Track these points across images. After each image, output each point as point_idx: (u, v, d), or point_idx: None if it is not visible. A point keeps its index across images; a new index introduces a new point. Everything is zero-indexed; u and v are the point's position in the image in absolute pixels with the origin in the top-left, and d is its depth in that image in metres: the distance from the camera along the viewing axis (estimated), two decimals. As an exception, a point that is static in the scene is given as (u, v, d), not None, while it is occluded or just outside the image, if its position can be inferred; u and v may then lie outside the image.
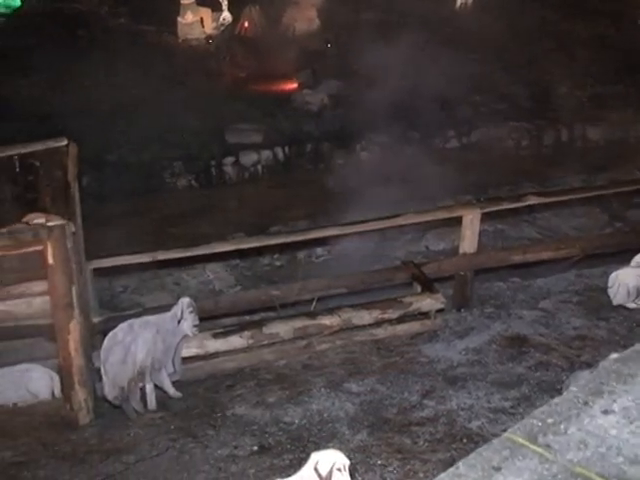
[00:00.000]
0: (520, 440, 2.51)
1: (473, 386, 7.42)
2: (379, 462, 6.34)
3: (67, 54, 16.48)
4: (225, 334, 8.19)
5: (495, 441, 2.55)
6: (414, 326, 8.65)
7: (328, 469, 4.26)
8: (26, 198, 7.35)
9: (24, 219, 7.09)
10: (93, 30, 18.10)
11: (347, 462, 4.27)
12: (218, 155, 15.22)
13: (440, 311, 8.74)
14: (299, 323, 8.29)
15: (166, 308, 7.90)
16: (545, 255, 9.63)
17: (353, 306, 8.57)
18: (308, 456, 4.44)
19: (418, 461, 6.28)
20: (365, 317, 8.45)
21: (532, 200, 9.68)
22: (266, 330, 8.22)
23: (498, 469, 2.43)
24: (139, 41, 17.82)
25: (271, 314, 9.19)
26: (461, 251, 9.26)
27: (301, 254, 11.86)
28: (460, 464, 2.47)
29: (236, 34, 19.16)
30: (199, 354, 8.10)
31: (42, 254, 7.22)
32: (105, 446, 7.02)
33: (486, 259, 9.48)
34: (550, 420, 2.60)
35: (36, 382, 7.92)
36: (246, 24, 19.14)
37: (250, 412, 7.34)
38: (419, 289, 8.90)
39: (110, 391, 7.40)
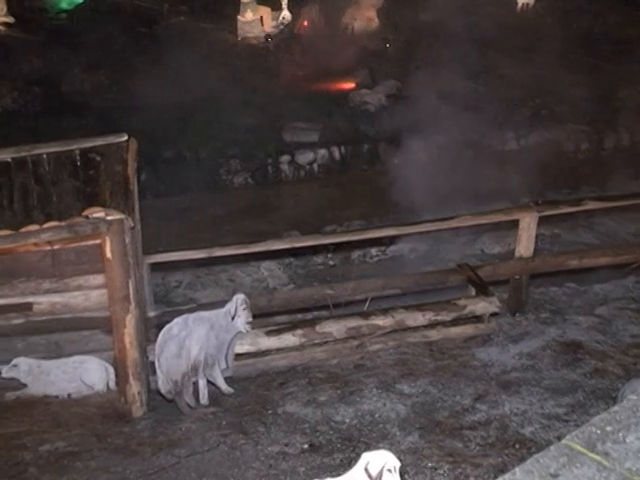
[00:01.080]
0: (578, 447, 2.47)
1: (526, 391, 7.34)
2: (430, 465, 6.31)
3: (128, 50, 16.69)
4: (278, 332, 8.21)
5: (552, 447, 2.51)
6: (468, 329, 8.58)
7: (378, 470, 4.25)
8: (86, 192, 7.46)
9: (84, 213, 7.19)
10: (154, 27, 18.29)
11: (398, 463, 4.26)
12: (275, 153, 15.28)
13: (494, 315, 8.65)
14: (352, 323, 8.28)
15: (220, 304, 7.96)
16: (603, 261, 9.48)
17: (406, 307, 8.53)
18: (358, 456, 4.43)
19: (469, 465, 6.23)
20: (418, 318, 8.40)
21: (590, 205, 9.54)
22: (319, 329, 8.22)
23: (555, 476, 2.39)
24: (199, 39, 17.94)
25: (324, 313, 9.19)
26: (517, 255, 9.17)
27: (355, 254, 11.85)
28: (517, 470, 2.44)
29: (295, 33, 19.21)
30: (251, 351, 8.13)
31: (100, 248, 7.32)
32: (157, 439, 7.08)
33: (542, 263, 9.36)
34: (609, 428, 2.55)
35: (91, 374, 8.05)
36: (305, 23, 19.19)
37: (301, 410, 7.35)
38: (473, 292, 8.83)
39: (164, 385, 7.47)
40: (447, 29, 17.63)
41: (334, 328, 8.23)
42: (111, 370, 8.03)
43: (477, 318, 8.62)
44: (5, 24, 17.56)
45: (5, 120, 15.02)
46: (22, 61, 16.89)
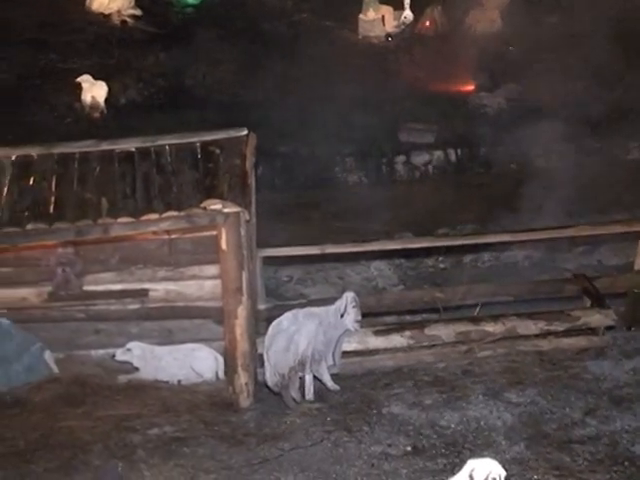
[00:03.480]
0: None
1: (639, 408, 7.12)
2: (535, 477, 6.21)
3: (251, 46, 16.90)
4: (386, 332, 8.21)
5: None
6: (580, 341, 8.39)
7: (483, 478, 4.21)
8: (205, 184, 7.59)
9: (202, 204, 7.33)
10: (277, 24, 18.47)
11: (503, 473, 4.22)
12: (390, 153, 15.23)
13: (609, 328, 8.43)
14: (462, 327, 8.20)
15: (330, 301, 7.99)
16: None
17: (518, 315, 8.40)
18: (462, 462, 4.41)
19: (576, 480, 6.10)
20: (530, 327, 8.26)
21: None
22: (427, 331, 8.18)
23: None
24: (320, 36, 18.02)
25: (433, 316, 9.14)
26: (636, 267, 8.91)
27: (467, 258, 11.72)
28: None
29: (416, 33, 19.08)
30: (359, 349, 8.16)
31: (216, 239, 7.46)
32: (262, 431, 7.18)
33: (662, 278, 9.06)
34: None
35: (201, 362, 8.21)
36: (427, 23, 19.01)
37: (406, 412, 7.33)
38: (589, 303, 8.62)
39: (271, 378, 7.56)
40: (571, 32, 17.23)
41: (443, 332, 8.17)
42: (220, 360, 8.18)
43: (591, 330, 8.42)
44: (133, 16, 18.02)
45: (130, 111, 15.42)
46: (147, 54, 17.30)
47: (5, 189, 7.54)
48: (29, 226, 7.24)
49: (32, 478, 6.55)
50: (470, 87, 17.48)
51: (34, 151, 7.94)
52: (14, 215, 7.32)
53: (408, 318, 9.39)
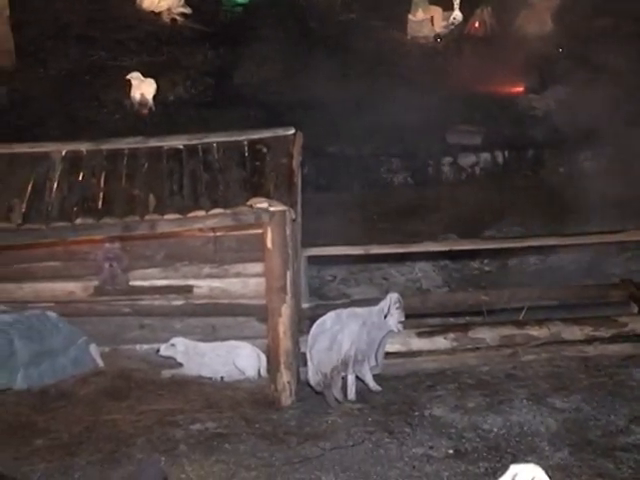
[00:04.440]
0: None
1: (686, 417, 7.02)
2: (579, 484, 6.14)
3: (299, 46, 16.94)
4: (430, 334, 8.18)
5: None
6: (627, 348, 8.27)
7: (526, 483, 4.16)
8: (252, 182, 7.61)
9: (248, 202, 7.36)
10: (325, 23, 18.48)
11: (546, 479, 4.15)
12: (436, 154, 15.16)
13: (656, 335, 8.31)
14: (506, 331, 8.14)
15: (373, 301, 7.98)
16: None
17: (563, 320, 8.32)
18: (504, 467, 4.37)
19: (620, 488, 6.02)
20: (575, 332, 8.17)
21: None
22: (472, 334, 8.13)
23: None
24: (368, 36, 18.01)
25: (477, 319, 9.08)
26: (686, 274, 8.77)
27: (513, 261, 11.62)
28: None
29: (465, 34, 18.97)
30: (402, 351, 8.13)
31: (262, 237, 7.48)
32: (304, 430, 7.18)
33: None
34: None
35: (244, 359, 8.25)
36: (477, 24, 18.89)
37: (448, 415, 7.29)
38: (636, 310, 8.51)
39: (313, 377, 7.56)
40: (625, 33, 17.02)
41: (487, 335, 8.12)
42: (263, 357, 8.20)
43: (637, 337, 8.29)
44: (182, 15, 18.16)
45: (178, 109, 15.55)
46: (196, 52, 17.43)
47: (55, 184, 7.64)
48: (78, 221, 7.33)
49: (75, 470, 6.62)
50: (519, 89, 17.34)
51: (84, 147, 8.04)
52: (63, 210, 7.41)
53: (452, 320, 9.32)
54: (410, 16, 18.78)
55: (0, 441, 7.08)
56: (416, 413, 7.34)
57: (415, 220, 12.73)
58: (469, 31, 18.93)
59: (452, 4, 18.81)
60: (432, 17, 18.84)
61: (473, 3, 18.79)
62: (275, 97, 15.58)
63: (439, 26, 18.95)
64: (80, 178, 7.73)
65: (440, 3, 19.00)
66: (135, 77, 15.15)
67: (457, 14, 18.85)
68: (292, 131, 8.13)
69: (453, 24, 18.88)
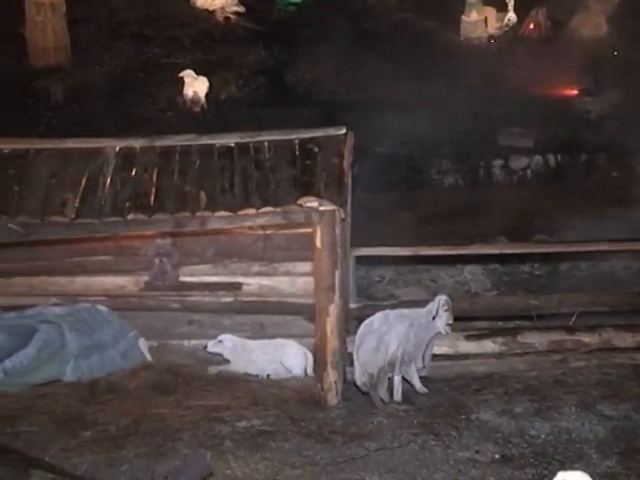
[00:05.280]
0: None
1: None
2: (627, 492, 6.05)
3: (351, 45, 16.92)
4: (478, 337, 8.14)
5: None
6: (679, 356, 8.14)
7: (574, 491, 4.12)
8: (302, 181, 7.63)
9: (298, 201, 7.37)
10: (378, 23, 18.44)
11: (595, 487, 4.10)
12: (487, 156, 15.04)
13: None
14: (556, 336, 8.07)
15: (422, 303, 7.96)
16: None
17: (614, 326, 8.21)
18: (551, 473, 4.33)
19: (669, 498, 5.92)
20: (627, 339, 8.08)
21: None
22: (520, 339, 8.08)
23: None
24: (421, 36, 17.94)
25: (526, 323, 9.00)
26: None
27: (563, 266, 11.48)
28: None
29: (519, 36, 18.81)
30: (449, 353, 8.11)
31: (311, 236, 7.49)
32: (349, 429, 7.17)
33: None
34: None
35: (291, 358, 8.27)
36: (531, 26, 18.72)
37: (495, 419, 7.24)
38: (689, 318, 8.38)
39: (360, 377, 7.56)
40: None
41: (536, 340, 8.06)
42: (310, 356, 8.22)
43: (692, 346, 8.17)
44: (236, 13, 18.25)
45: (230, 107, 15.63)
46: (249, 50, 17.51)
47: (108, 179, 7.73)
48: (130, 216, 7.41)
49: (122, 463, 6.67)
50: (573, 91, 17.14)
51: (137, 143, 8.12)
52: (116, 205, 7.50)
53: (500, 324, 9.25)
54: (464, 17, 18.67)
55: (49, 432, 7.16)
56: (462, 416, 7.30)
57: (465, 222, 12.62)
58: (523, 33, 18.78)
59: (506, 5, 18.67)
60: (486, 18, 18.73)
61: (528, 4, 18.62)
62: (327, 96, 15.58)
63: (493, 27, 18.82)
64: (133, 174, 7.82)
65: (494, 4, 18.86)
66: (188, 75, 15.26)
67: (511, 15, 18.70)
68: (343, 131, 8.13)
69: (507, 25, 18.74)
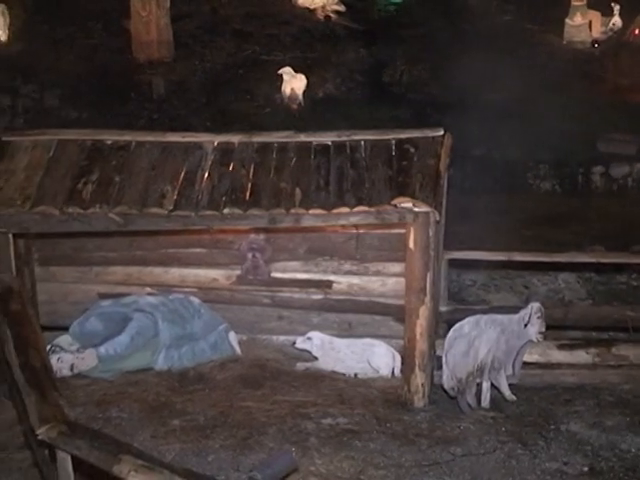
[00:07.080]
0: None
1: None
2: None
3: (451, 46, 16.80)
4: (571, 347, 7.98)
5: None
6: None
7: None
8: (397, 181, 7.59)
9: (393, 201, 7.35)
10: (479, 24, 18.26)
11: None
12: (587, 163, 14.74)
13: None
14: (652, 350, 7.85)
15: (514, 309, 7.85)
16: None
17: None
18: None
19: None
20: None
21: None
22: (615, 351, 7.88)
23: None
24: (523, 39, 17.70)
25: (621, 335, 8.77)
26: None
27: (663, 277, 11.16)
28: None
29: (624, 40, 18.37)
30: (540, 362, 7.97)
31: (404, 237, 7.46)
32: (434, 433, 7.13)
33: None
34: None
35: (379, 358, 8.26)
36: (637, 31, 18.28)
37: (585, 431, 7.09)
38: None
39: (447, 381, 7.49)
40: None
41: (631, 352, 7.85)
42: (398, 357, 8.19)
43: None
44: (336, 12, 18.34)
45: (327, 105, 15.71)
46: (348, 49, 17.56)
47: (206, 174, 7.83)
48: (226, 210, 7.49)
49: (209, 453, 6.78)
50: (678, 99, 16.66)
51: (235, 139, 8.21)
52: (212, 199, 7.59)
53: (594, 335, 9.05)
54: (567, 20, 18.34)
55: (139, 419, 7.32)
56: (552, 427, 7.17)
57: (561, 229, 12.39)
58: (628, 38, 18.33)
59: (612, 10, 18.26)
60: (590, 22, 18.36)
61: (634, 9, 18.17)
62: (425, 97, 15.52)
63: (597, 31, 18.46)
64: (230, 169, 7.90)
65: (599, 8, 18.48)
66: (287, 72, 15.42)
67: (616, 20, 18.31)
68: (441, 132, 8.06)
69: (612, 30, 18.34)
